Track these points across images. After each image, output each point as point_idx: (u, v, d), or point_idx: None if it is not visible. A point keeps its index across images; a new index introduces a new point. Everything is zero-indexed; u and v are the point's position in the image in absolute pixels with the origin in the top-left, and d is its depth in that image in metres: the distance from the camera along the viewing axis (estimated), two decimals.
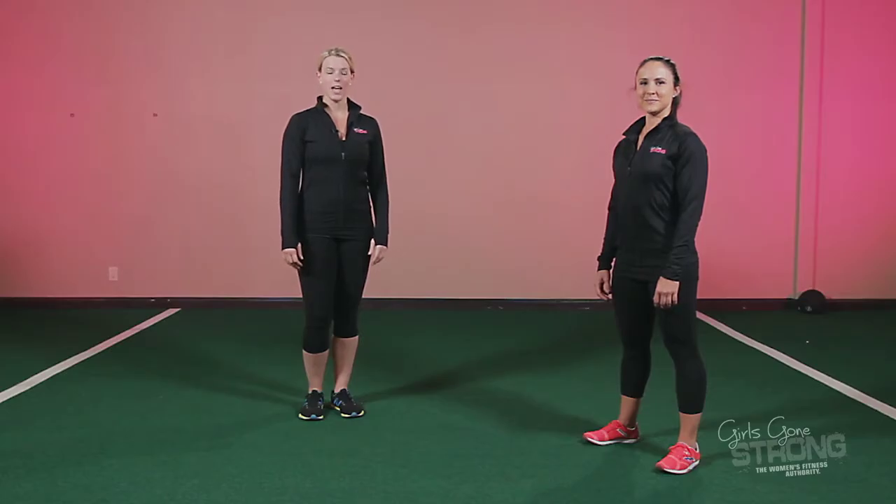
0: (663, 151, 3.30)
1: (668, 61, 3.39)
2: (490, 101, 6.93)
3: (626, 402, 3.67)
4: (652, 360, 3.62)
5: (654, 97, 3.35)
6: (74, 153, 6.94)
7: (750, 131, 6.96)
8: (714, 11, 6.90)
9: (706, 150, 3.33)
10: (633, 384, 3.64)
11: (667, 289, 3.26)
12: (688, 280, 3.29)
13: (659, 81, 3.35)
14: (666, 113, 3.38)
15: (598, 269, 3.66)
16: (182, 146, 6.95)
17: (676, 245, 3.25)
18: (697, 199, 3.26)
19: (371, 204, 4.09)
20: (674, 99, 3.40)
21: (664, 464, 3.35)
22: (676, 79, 3.38)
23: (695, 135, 3.34)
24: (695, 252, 3.32)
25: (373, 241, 4.07)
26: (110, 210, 6.99)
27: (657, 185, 3.32)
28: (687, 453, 3.36)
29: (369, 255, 4.07)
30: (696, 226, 3.28)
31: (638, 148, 3.42)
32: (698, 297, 3.40)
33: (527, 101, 6.92)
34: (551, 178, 6.95)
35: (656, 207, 3.33)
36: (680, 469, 3.31)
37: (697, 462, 3.37)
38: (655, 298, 3.28)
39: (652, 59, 3.41)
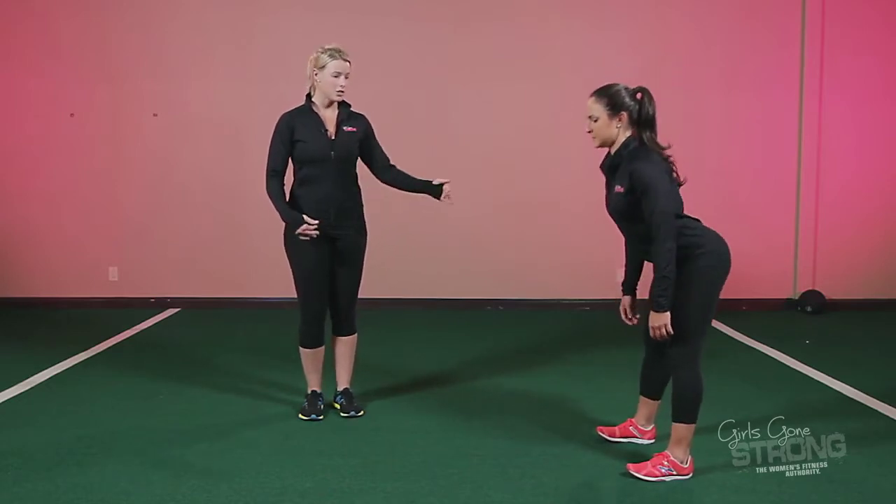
0: (622, 189, 3.25)
1: (600, 93, 3.31)
2: (490, 102, 6.93)
3: (643, 402, 3.65)
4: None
5: (591, 135, 3.36)
6: (74, 153, 6.94)
7: (750, 131, 6.96)
8: (714, 11, 6.90)
9: (658, 169, 3.18)
10: (649, 385, 3.61)
11: (656, 322, 3.16)
12: (695, 280, 3.18)
13: (591, 119, 3.33)
14: (622, 138, 3.31)
15: (622, 295, 3.60)
16: (182, 146, 6.95)
17: (656, 276, 3.12)
18: (662, 226, 3.11)
19: (362, 201, 4.08)
20: (632, 122, 3.28)
21: (632, 465, 3.31)
22: (615, 107, 3.27)
23: (641, 159, 3.20)
24: (706, 253, 3.20)
25: (437, 182, 4.02)
26: (110, 210, 6.99)
27: (631, 221, 3.29)
28: (666, 464, 3.27)
29: (363, 253, 4.09)
30: (671, 250, 3.10)
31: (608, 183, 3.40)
32: None
33: (527, 102, 6.92)
34: (551, 178, 6.95)
35: (641, 237, 3.30)
36: (646, 476, 3.25)
37: (679, 477, 3.26)
38: (651, 333, 3.21)
39: (590, 95, 3.35)
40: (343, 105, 4.00)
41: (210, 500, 3.08)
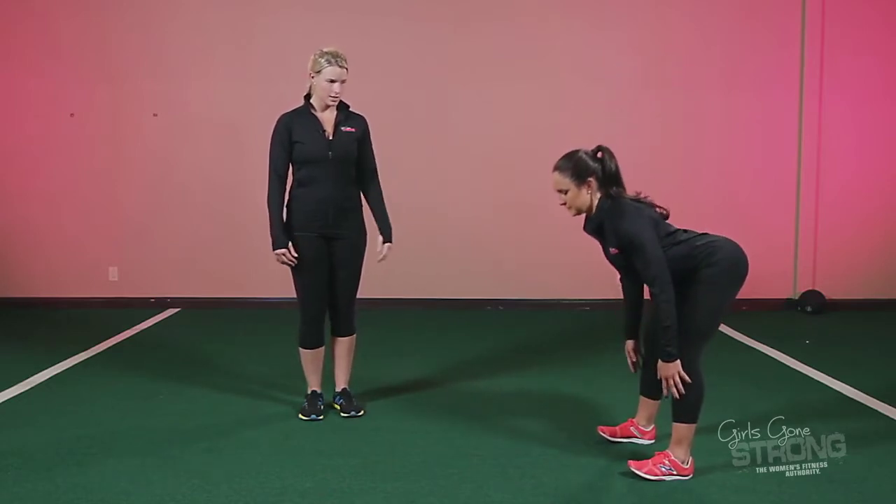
0: (617, 251, 3.29)
1: (563, 165, 3.33)
2: (490, 102, 6.93)
3: (643, 403, 3.65)
4: None
5: (566, 207, 3.40)
6: (74, 153, 6.94)
7: (750, 131, 6.96)
8: (714, 11, 6.90)
9: (640, 222, 3.21)
10: (650, 385, 3.59)
11: (668, 371, 3.19)
12: (706, 286, 3.21)
13: (561, 192, 3.37)
14: (596, 201, 3.35)
15: (626, 339, 3.60)
16: (182, 146, 6.95)
17: (661, 327, 3.17)
18: (657, 278, 3.15)
19: (361, 202, 4.09)
20: (600, 182, 3.32)
21: (633, 462, 3.32)
22: (581, 175, 3.30)
23: (620, 216, 3.24)
24: (719, 261, 3.21)
25: (379, 239, 4.07)
26: (110, 210, 6.99)
27: (634, 273, 3.32)
28: (667, 463, 3.27)
29: (362, 253, 4.09)
30: (669, 301, 3.13)
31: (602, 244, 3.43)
32: None
33: (527, 102, 6.92)
34: (551, 178, 6.94)
35: (644, 284, 3.37)
36: (647, 473, 3.25)
37: (680, 477, 3.26)
38: (664, 388, 3.23)
39: (553, 170, 3.37)
40: (342, 106, 4.00)
41: (210, 500, 3.08)
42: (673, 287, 3.19)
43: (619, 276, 3.56)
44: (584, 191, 3.33)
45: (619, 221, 3.24)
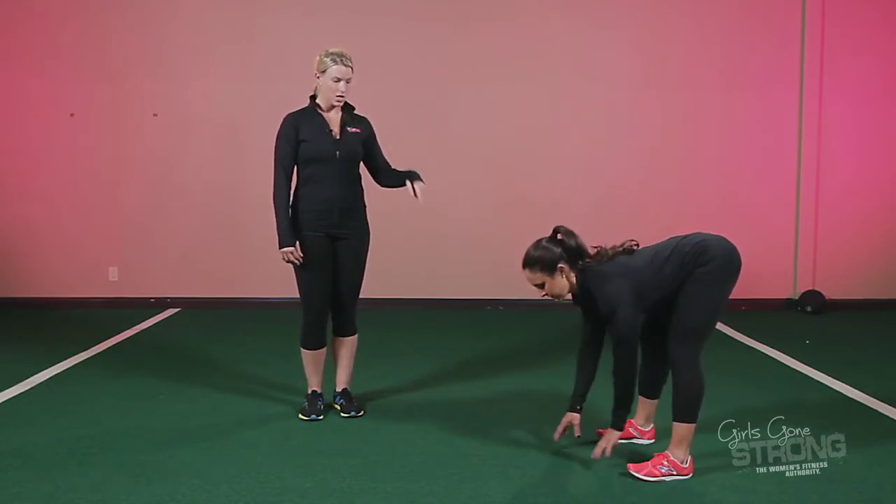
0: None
1: (530, 263, 3.40)
2: (490, 102, 6.93)
3: (641, 403, 3.66)
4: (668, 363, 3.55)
5: (549, 298, 3.46)
6: (74, 153, 6.94)
7: (750, 131, 6.97)
8: (714, 11, 6.90)
9: (616, 282, 3.27)
10: (648, 384, 3.61)
11: (612, 437, 3.36)
12: (702, 283, 3.20)
13: (538, 287, 3.42)
14: (574, 279, 3.40)
15: (571, 411, 3.56)
16: (182, 146, 6.95)
17: (619, 392, 3.35)
18: (622, 338, 3.27)
19: (365, 202, 4.10)
20: (570, 262, 3.37)
21: (632, 465, 3.32)
22: (551, 266, 3.36)
23: (599, 281, 3.32)
24: (714, 258, 3.20)
25: (409, 182, 4.06)
26: (110, 210, 6.99)
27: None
28: (666, 464, 3.28)
29: (366, 253, 4.10)
30: (632, 365, 3.29)
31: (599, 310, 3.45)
32: None
33: (527, 102, 6.92)
34: (551, 177, 6.95)
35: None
36: (647, 476, 3.26)
37: (679, 477, 3.26)
38: (597, 448, 3.35)
39: (523, 268, 3.44)
40: (347, 107, 4.02)
41: (210, 500, 3.08)
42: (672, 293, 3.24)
43: (579, 348, 3.61)
44: (558, 277, 3.38)
45: (599, 290, 3.32)
